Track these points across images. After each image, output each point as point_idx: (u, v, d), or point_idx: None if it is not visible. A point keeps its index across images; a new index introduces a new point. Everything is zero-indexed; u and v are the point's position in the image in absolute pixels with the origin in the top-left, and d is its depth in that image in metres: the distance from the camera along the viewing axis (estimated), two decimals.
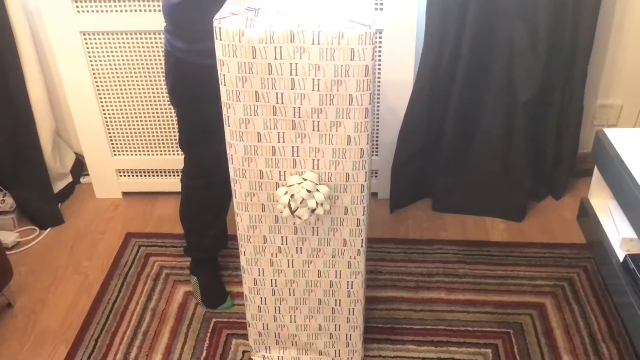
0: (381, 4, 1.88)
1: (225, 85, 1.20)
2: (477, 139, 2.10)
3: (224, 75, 1.19)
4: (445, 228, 2.13)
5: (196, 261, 1.86)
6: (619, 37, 2.09)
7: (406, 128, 2.05)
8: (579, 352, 1.65)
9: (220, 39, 1.15)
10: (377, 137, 2.15)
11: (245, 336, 1.69)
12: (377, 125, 2.12)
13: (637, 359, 1.62)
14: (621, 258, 1.54)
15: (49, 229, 2.17)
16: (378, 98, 2.06)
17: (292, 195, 1.31)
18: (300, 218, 1.33)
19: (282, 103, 1.21)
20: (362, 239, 1.41)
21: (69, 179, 2.32)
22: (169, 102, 1.66)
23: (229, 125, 1.26)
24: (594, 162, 1.71)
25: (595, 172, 1.71)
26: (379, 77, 2.02)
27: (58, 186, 2.27)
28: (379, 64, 1.99)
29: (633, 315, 1.44)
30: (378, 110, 2.09)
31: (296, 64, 1.16)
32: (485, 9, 1.86)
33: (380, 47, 1.96)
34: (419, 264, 1.96)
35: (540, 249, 2.01)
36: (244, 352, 1.69)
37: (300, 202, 1.31)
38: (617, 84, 2.19)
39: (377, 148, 2.17)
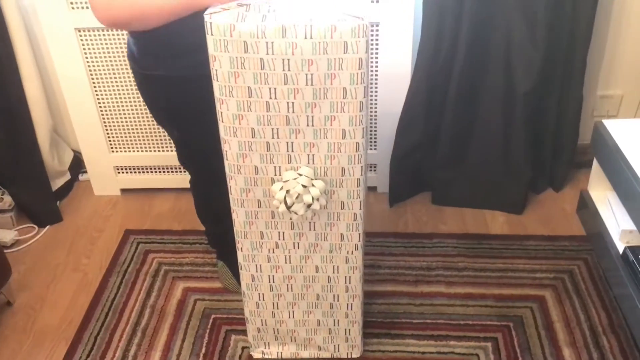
0: None
1: (217, 80, 1.19)
2: (476, 131, 2.09)
3: (216, 70, 1.18)
4: (445, 221, 2.12)
5: (222, 248, 1.89)
6: (618, 27, 2.07)
7: (404, 121, 2.04)
8: (579, 344, 1.65)
9: (212, 34, 1.14)
10: (375, 130, 2.13)
11: (244, 332, 1.69)
12: (375, 119, 2.11)
13: (638, 351, 1.61)
14: (621, 250, 1.53)
15: (47, 227, 2.17)
16: (376, 92, 2.05)
17: (287, 191, 1.30)
18: (296, 213, 1.32)
19: (276, 98, 1.20)
20: (359, 234, 1.40)
21: (67, 176, 2.32)
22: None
23: (222, 121, 1.25)
24: (593, 153, 1.70)
25: (595, 163, 1.70)
26: (376, 71, 2.00)
27: (56, 184, 2.27)
28: (376, 58, 1.98)
29: (633, 307, 1.43)
30: (376, 103, 2.08)
31: (288, 59, 1.15)
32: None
33: (377, 40, 1.94)
34: (419, 258, 1.95)
35: (540, 241, 2.00)
36: (243, 348, 1.69)
37: (296, 198, 1.30)
38: (616, 75, 2.17)
39: (375, 141, 2.16)
